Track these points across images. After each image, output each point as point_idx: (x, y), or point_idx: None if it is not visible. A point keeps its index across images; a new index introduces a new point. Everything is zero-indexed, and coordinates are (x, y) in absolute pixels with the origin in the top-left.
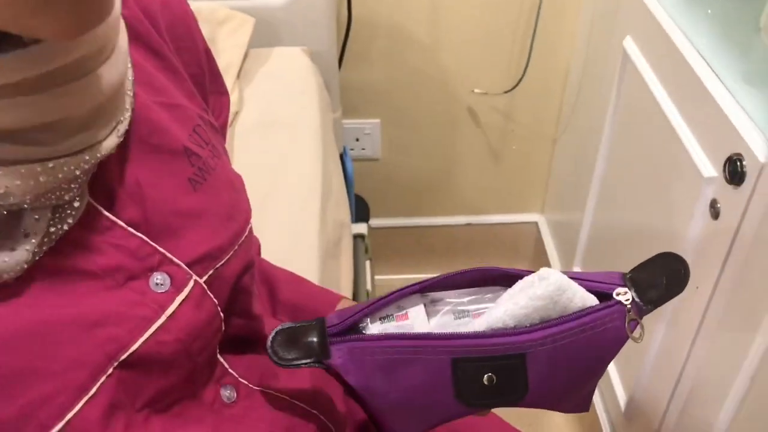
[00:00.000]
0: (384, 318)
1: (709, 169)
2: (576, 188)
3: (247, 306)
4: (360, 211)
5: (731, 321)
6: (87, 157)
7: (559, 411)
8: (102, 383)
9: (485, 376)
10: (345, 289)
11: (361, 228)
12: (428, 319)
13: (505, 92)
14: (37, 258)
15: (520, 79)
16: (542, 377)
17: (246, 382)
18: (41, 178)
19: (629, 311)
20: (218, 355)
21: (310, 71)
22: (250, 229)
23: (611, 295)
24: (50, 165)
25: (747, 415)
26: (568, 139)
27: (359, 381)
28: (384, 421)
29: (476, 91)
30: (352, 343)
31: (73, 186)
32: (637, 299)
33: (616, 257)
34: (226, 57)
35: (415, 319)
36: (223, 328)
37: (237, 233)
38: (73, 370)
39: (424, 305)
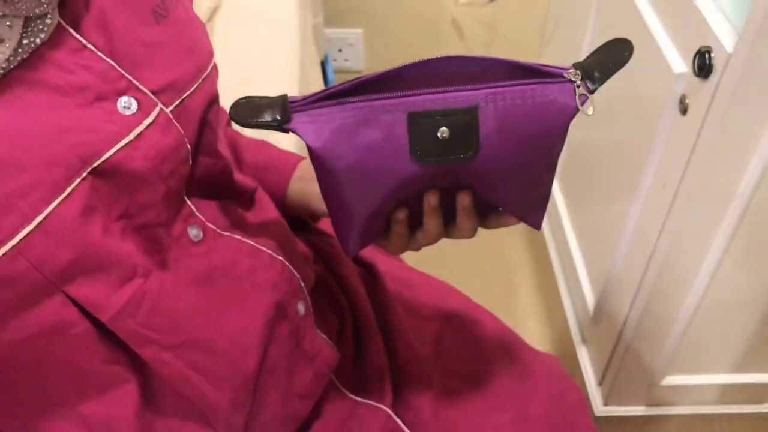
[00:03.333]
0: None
1: (680, 64)
2: None
3: (212, 142)
4: None
5: (694, 217)
6: None
7: (510, 212)
8: (77, 185)
9: (439, 130)
10: None
11: None
12: None
13: (490, 1)
14: (11, 67)
15: None
16: (492, 141)
17: (213, 227)
18: None
19: (578, 87)
20: (185, 198)
21: None
22: (214, 65)
23: (561, 74)
24: None
25: (704, 316)
26: (550, 54)
27: (317, 142)
28: (342, 199)
29: (461, 1)
30: (312, 110)
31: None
32: (585, 78)
33: (592, 165)
34: None
35: None
36: (191, 161)
37: (200, 67)
38: (49, 166)
39: None
